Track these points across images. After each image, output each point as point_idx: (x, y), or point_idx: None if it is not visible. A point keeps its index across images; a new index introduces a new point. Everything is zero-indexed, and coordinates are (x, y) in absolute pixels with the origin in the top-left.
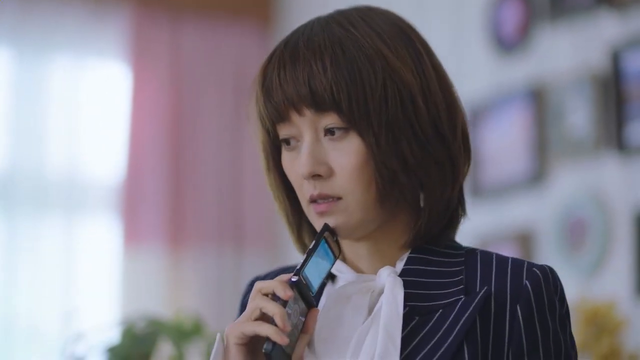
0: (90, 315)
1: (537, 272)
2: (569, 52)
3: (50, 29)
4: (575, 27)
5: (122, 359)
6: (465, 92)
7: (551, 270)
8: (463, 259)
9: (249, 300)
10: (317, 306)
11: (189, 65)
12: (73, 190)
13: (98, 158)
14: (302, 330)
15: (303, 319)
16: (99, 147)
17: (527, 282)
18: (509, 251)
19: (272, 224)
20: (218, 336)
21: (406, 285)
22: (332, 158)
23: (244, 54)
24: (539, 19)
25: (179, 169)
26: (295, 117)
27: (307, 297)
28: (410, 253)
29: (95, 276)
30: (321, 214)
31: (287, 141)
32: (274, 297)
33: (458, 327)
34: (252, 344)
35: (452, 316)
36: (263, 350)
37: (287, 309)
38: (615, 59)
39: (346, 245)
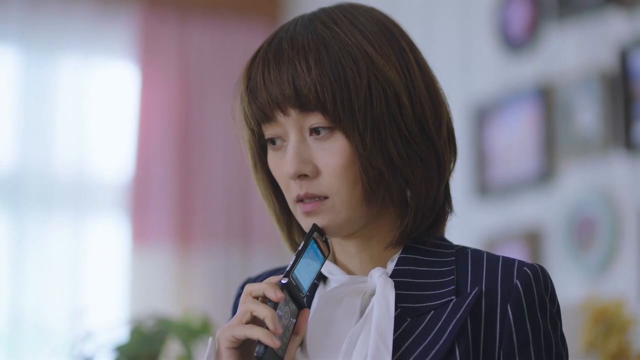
0: (98, 314)
1: (528, 271)
2: (577, 50)
3: (58, 29)
4: (583, 25)
5: (131, 358)
6: (473, 91)
7: (542, 269)
8: (454, 258)
9: (240, 303)
10: (308, 307)
11: (197, 64)
12: (81, 189)
13: (106, 157)
14: (293, 332)
15: (294, 321)
16: (107, 146)
17: (517, 281)
18: (517, 250)
19: None
20: (210, 340)
21: (397, 286)
22: (318, 158)
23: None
24: (547, 17)
25: (187, 167)
26: (280, 117)
27: (297, 298)
28: (401, 253)
29: (103, 275)
30: (308, 213)
31: (272, 141)
32: (265, 300)
33: (449, 328)
34: (244, 347)
35: (443, 318)
36: (255, 354)
37: (277, 311)
38: (624, 57)
39: (335, 244)
